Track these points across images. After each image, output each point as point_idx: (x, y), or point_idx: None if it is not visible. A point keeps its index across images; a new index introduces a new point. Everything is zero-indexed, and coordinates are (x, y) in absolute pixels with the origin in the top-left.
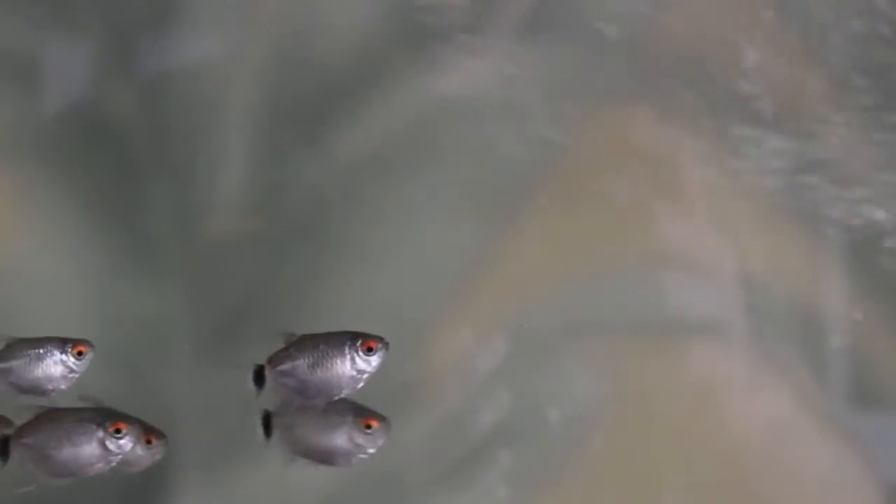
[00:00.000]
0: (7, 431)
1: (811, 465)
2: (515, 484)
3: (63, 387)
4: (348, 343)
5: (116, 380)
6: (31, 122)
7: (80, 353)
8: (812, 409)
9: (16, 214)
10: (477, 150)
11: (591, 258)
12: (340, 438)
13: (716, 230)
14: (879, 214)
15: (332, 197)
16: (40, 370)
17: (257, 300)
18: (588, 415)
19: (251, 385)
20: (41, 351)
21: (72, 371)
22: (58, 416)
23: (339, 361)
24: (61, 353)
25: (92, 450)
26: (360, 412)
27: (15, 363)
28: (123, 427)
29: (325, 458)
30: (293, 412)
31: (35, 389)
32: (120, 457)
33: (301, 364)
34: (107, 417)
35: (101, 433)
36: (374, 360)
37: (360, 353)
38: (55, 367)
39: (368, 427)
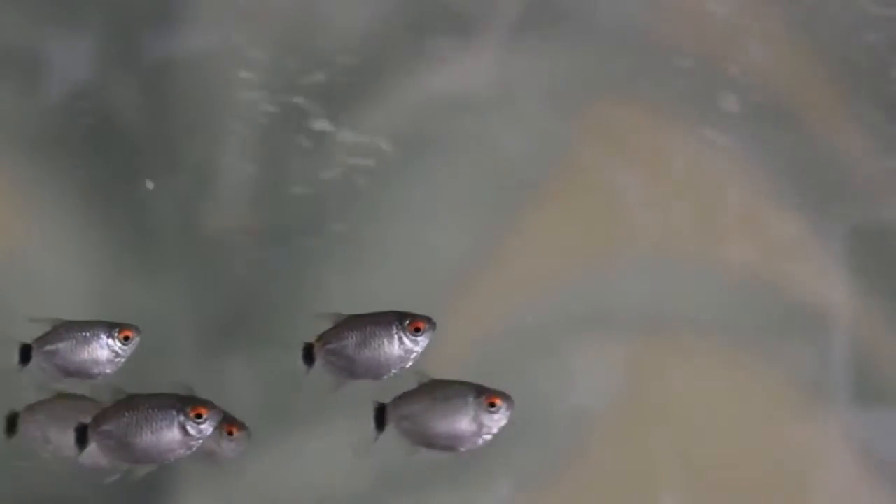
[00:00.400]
0: (84, 420)
1: (812, 463)
2: (517, 482)
3: (108, 371)
4: (396, 323)
5: (116, 376)
6: (32, 119)
7: (126, 338)
8: (814, 406)
9: (16, 211)
10: (478, 146)
11: (593, 255)
12: (464, 422)
13: (718, 227)
14: (882, 210)
15: (333, 193)
16: (87, 354)
17: (258, 297)
18: (590, 412)
19: (301, 363)
20: (88, 334)
21: (118, 356)
22: (136, 403)
23: (386, 341)
24: (108, 337)
25: (173, 435)
26: (480, 391)
27: (62, 346)
28: (204, 412)
29: (449, 444)
30: (409, 403)
31: (81, 373)
32: (200, 441)
33: (349, 343)
34: (187, 402)
35: (181, 417)
36: (422, 340)
37: (408, 334)
38: (101, 351)
39: (493, 405)
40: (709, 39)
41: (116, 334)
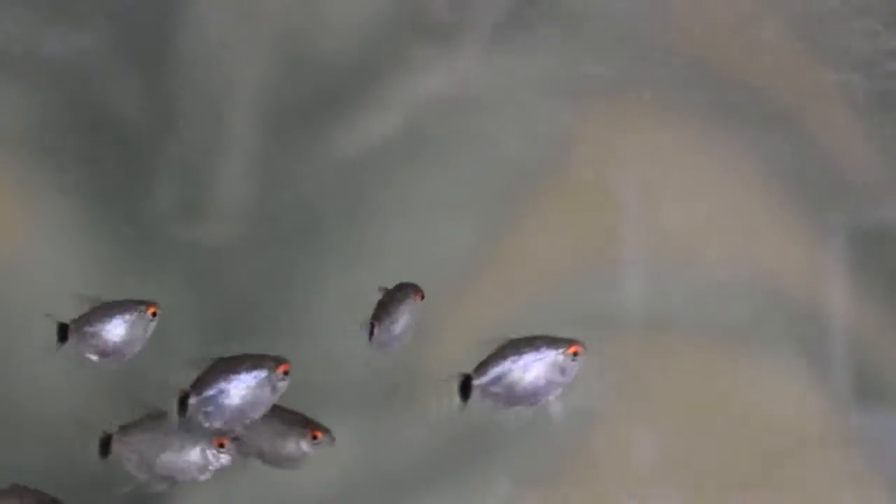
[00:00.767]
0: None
1: (812, 463)
2: (517, 481)
3: (137, 349)
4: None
5: (117, 376)
6: (33, 119)
7: (154, 315)
8: (816, 407)
9: (17, 209)
10: (476, 147)
11: (593, 255)
12: (550, 373)
13: (718, 227)
14: (882, 210)
15: (332, 194)
16: (126, 333)
17: (258, 297)
18: (590, 412)
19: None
20: (126, 315)
21: (146, 332)
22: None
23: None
24: (139, 315)
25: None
26: (560, 342)
27: (99, 326)
28: (320, 435)
29: (535, 398)
30: (493, 366)
31: (116, 353)
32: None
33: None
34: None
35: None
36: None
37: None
38: (135, 330)
39: (575, 355)
40: (708, 39)
41: (145, 311)
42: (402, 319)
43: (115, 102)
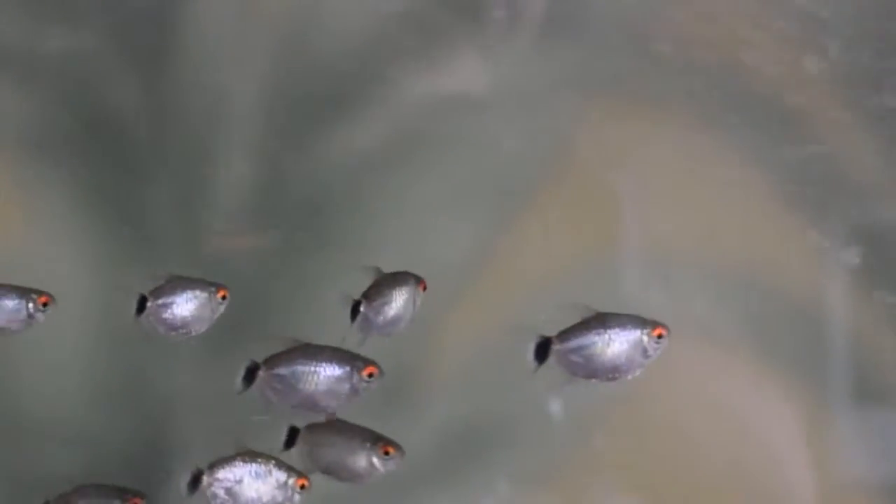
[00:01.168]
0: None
1: (812, 463)
2: (517, 481)
3: (204, 329)
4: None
5: (117, 376)
6: (33, 118)
7: (223, 298)
8: (814, 405)
9: (17, 210)
10: (478, 146)
11: (592, 255)
12: (633, 353)
13: (718, 227)
14: (882, 210)
15: (334, 194)
16: (196, 309)
17: (260, 296)
18: (590, 413)
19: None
20: (198, 292)
21: (213, 313)
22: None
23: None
24: (209, 295)
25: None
26: (646, 323)
27: (172, 299)
28: (392, 450)
29: (614, 374)
30: (577, 336)
31: (185, 328)
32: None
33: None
34: (374, 438)
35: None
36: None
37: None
38: (203, 308)
39: (660, 337)
40: (708, 39)
41: (215, 293)
42: (397, 304)
43: (115, 102)
